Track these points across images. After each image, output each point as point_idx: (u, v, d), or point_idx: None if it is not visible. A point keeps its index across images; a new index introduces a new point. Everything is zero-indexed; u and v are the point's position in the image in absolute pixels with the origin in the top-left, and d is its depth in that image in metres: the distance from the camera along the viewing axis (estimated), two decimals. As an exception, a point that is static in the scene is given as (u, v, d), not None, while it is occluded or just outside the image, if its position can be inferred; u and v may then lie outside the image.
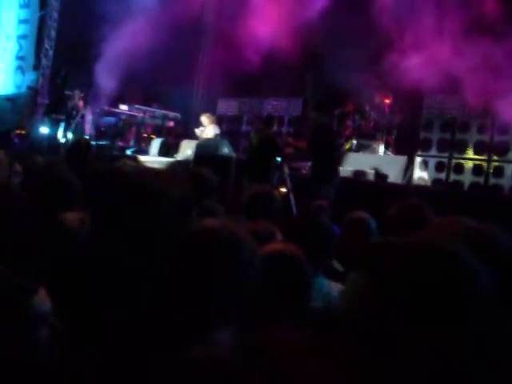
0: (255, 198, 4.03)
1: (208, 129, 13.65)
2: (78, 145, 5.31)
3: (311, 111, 9.82)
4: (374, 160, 12.66)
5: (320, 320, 2.82)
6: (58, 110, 16.58)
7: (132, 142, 16.84)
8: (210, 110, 15.03)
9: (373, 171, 11.80)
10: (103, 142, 16.07)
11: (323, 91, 13.83)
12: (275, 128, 11.28)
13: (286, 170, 10.13)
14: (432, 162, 12.87)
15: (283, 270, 2.28)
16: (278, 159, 9.98)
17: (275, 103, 16.67)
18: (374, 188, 10.50)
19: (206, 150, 12.02)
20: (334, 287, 3.20)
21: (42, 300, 1.84)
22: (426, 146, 13.08)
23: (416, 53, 10.83)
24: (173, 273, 1.83)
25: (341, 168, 11.24)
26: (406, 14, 11.54)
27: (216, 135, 13.64)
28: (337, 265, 4.00)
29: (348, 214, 4.16)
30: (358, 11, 12.26)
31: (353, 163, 12.44)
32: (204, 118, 13.86)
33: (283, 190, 9.81)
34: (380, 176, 11.79)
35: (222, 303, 1.76)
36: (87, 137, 15.30)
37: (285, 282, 2.25)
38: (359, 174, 11.71)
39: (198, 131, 13.96)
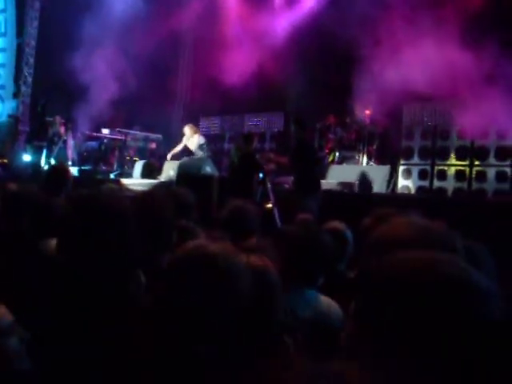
0: (231, 213, 4.04)
1: (194, 138, 13.60)
2: (56, 170, 5.29)
3: (291, 126, 9.85)
4: (358, 171, 12.69)
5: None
6: (40, 137, 16.52)
7: (115, 166, 16.79)
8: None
9: (357, 182, 11.83)
10: (86, 167, 16.03)
11: (303, 105, 13.88)
12: (257, 144, 11.30)
13: (269, 185, 10.13)
14: (415, 170, 12.93)
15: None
16: (261, 175, 9.99)
17: (256, 119, 16.72)
18: (358, 199, 10.51)
19: (188, 170, 12.01)
20: (325, 301, 3.21)
21: (3, 315, 1.97)
22: (408, 154, 13.14)
23: (392, 62, 10.88)
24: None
25: (324, 181, 11.26)
26: (378, 22, 11.62)
27: (201, 145, 13.57)
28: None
29: (323, 225, 4.16)
30: (335, 26, 12.30)
31: (336, 175, 12.47)
32: (187, 129, 13.75)
33: (268, 205, 9.80)
34: (366, 183, 11.81)
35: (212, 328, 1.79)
36: (70, 162, 15.28)
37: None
38: (346, 186, 11.72)
39: (182, 143, 13.93)
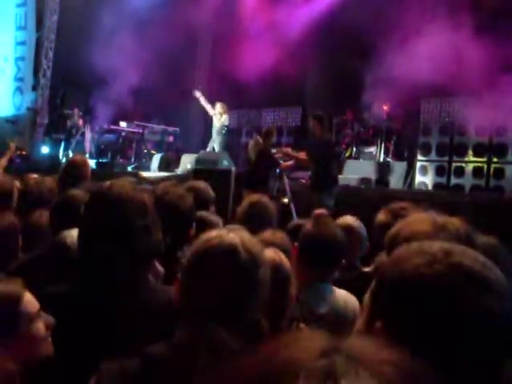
0: (251, 206, 4.06)
1: (223, 117, 13.77)
2: (74, 162, 5.32)
3: (309, 120, 9.85)
4: (374, 166, 12.66)
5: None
6: (58, 130, 16.67)
7: (133, 159, 16.87)
8: (209, 123, 14.99)
9: (376, 167, 11.88)
10: (104, 160, 16.12)
11: (321, 100, 13.86)
12: (274, 139, 11.28)
13: (286, 180, 10.16)
14: (432, 167, 12.86)
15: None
16: (277, 170, 10.03)
17: (274, 114, 16.73)
18: (375, 195, 10.49)
19: (205, 164, 12.05)
20: (341, 295, 3.23)
21: (30, 302, 2.04)
22: (425, 150, 13.08)
23: (410, 58, 10.83)
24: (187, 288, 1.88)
25: (342, 176, 11.25)
26: (397, 17, 11.57)
27: (225, 126, 13.84)
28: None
29: (337, 220, 4.15)
30: (353, 21, 12.26)
31: (353, 170, 12.45)
32: (220, 106, 13.80)
33: (285, 200, 9.82)
34: (384, 169, 11.85)
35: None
36: (87, 155, 15.37)
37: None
38: (363, 181, 11.73)
39: (209, 110, 14.12)
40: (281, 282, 2.41)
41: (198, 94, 14.39)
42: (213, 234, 1.91)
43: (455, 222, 1.65)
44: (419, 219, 1.68)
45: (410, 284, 1.17)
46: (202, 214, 3.83)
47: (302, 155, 9.88)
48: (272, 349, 0.75)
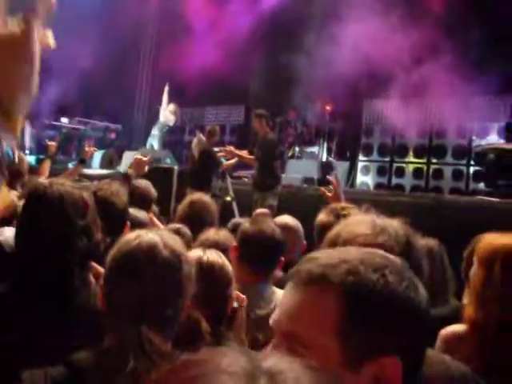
0: (190, 206, 4.02)
1: (171, 116, 14.02)
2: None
3: (253, 119, 9.83)
4: (317, 166, 12.73)
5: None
6: (-4, 125, 16.19)
7: (74, 155, 16.56)
8: (153, 121, 14.88)
9: (316, 178, 11.89)
10: (44, 156, 15.77)
11: (264, 99, 13.87)
12: (217, 138, 11.21)
13: (229, 178, 10.14)
14: (374, 167, 13.04)
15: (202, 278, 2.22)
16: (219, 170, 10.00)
17: (216, 112, 16.69)
18: (317, 194, 10.54)
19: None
20: (280, 294, 3.20)
21: None
22: (367, 151, 13.24)
23: (353, 58, 10.91)
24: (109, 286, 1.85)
25: (284, 175, 11.27)
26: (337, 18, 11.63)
27: (167, 125, 14.07)
28: None
29: (275, 220, 4.13)
30: (297, 21, 12.32)
31: (296, 170, 12.48)
32: (173, 106, 14.02)
33: (227, 198, 9.81)
34: (326, 173, 11.95)
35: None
36: (27, 151, 15.02)
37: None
38: (305, 181, 11.77)
39: (164, 103, 14.31)
40: (222, 283, 2.40)
41: (167, 87, 14.48)
42: (132, 235, 1.90)
43: (395, 225, 1.65)
44: (359, 221, 1.67)
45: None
46: (132, 212, 3.74)
47: (245, 153, 9.88)
48: (193, 374, 0.69)
